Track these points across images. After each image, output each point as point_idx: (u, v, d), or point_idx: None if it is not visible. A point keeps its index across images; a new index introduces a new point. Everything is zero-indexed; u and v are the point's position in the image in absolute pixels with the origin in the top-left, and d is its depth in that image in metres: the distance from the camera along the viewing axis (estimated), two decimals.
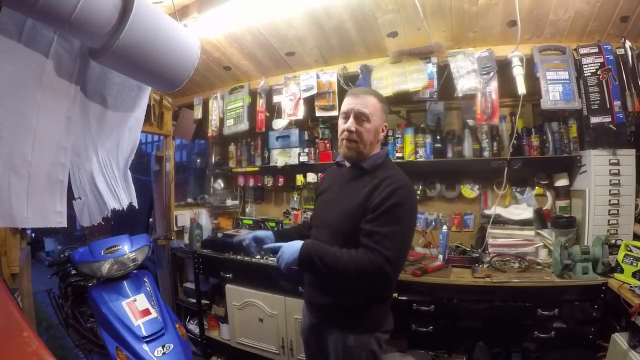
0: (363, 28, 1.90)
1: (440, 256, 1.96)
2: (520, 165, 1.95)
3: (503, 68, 1.90)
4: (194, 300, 2.60)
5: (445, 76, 1.96)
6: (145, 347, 1.53)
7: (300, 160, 2.45)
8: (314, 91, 2.23)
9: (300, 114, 2.33)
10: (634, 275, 1.49)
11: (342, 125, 1.21)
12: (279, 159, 2.56)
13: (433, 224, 2.28)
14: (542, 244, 1.90)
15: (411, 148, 2.15)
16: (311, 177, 2.45)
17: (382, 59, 2.11)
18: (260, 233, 1.33)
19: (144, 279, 1.87)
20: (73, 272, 2.29)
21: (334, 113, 2.23)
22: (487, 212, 2.08)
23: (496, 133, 2.05)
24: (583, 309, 1.60)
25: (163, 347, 1.56)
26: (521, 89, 1.82)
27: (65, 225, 1.17)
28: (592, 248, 1.63)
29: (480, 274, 1.75)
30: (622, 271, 1.55)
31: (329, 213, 1.23)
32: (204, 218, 2.82)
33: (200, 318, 2.57)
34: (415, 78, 1.96)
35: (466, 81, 1.90)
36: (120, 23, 1.03)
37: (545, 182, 2.10)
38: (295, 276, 1.20)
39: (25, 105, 1.05)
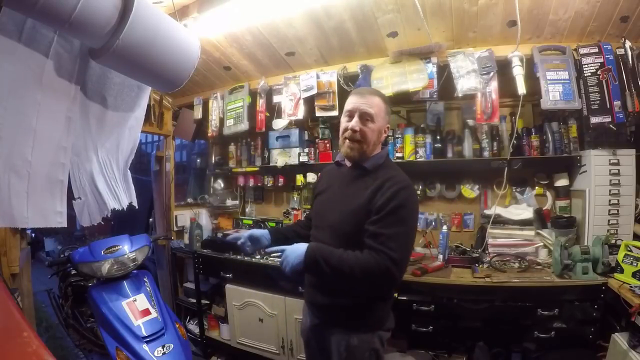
0: (363, 28, 1.90)
1: (440, 256, 1.96)
2: (520, 165, 1.95)
3: (503, 68, 1.90)
4: (194, 300, 2.60)
5: (445, 76, 1.96)
6: (145, 347, 1.52)
7: (300, 160, 2.45)
8: (314, 91, 2.23)
9: (300, 114, 2.33)
10: (634, 275, 1.50)
11: (345, 123, 1.21)
12: (279, 159, 2.56)
13: (433, 224, 2.28)
14: (542, 244, 1.90)
15: (411, 148, 2.15)
16: (311, 177, 2.45)
17: (382, 59, 2.11)
18: (256, 232, 1.34)
19: (144, 279, 1.87)
20: (73, 272, 2.29)
21: (334, 113, 2.23)
22: (487, 212, 2.08)
23: (496, 133, 2.05)
24: (583, 309, 1.60)
25: (163, 347, 1.56)
26: (521, 89, 1.82)
27: (65, 225, 1.17)
28: (592, 248, 1.63)
29: (480, 274, 1.75)
30: (622, 271, 1.55)
31: (330, 213, 1.23)
32: (204, 218, 2.82)
33: (200, 318, 2.57)
34: (415, 78, 1.96)
35: (466, 81, 1.90)
36: (120, 23, 1.03)
37: (545, 182, 2.10)
38: (297, 277, 1.18)
39: (25, 105, 1.05)
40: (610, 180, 1.74)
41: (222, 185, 3.01)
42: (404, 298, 1.74)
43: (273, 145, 2.59)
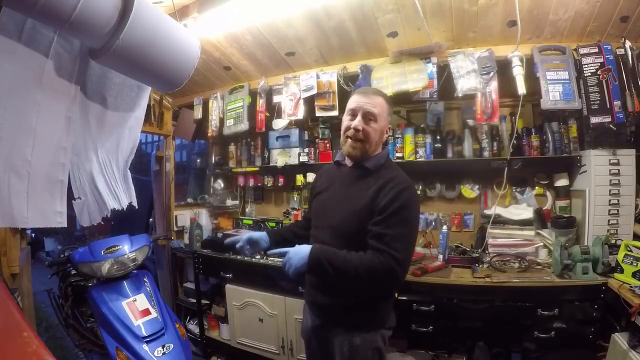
0: (363, 28, 1.90)
1: (440, 256, 1.96)
2: (520, 165, 1.95)
3: (503, 68, 1.90)
4: (194, 300, 2.60)
5: (445, 76, 1.96)
6: (145, 347, 1.52)
7: (300, 160, 2.45)
8: (314, 91, 2.23)
9: (300, 114, 2.33)
10: (634, 275, 1.50)
11: (347, 122, 1.21)
12: (279, 159, 2.56)
13: (433, 224, 2.28)
14: (542, 244, 1.90)
15: (411, 148, 2.15)
16: (311, 177, 2.45)
17: (382, 59, 2.11)
18: (255, 235, 1.32)
19: (144, 279, 1.87)
20: (73, 272, 2.29)
21: (334, 113, 2.23)
22: (487, 212, 2.08)
23: (496, 133, 2.05)
24: (583, 309, 1.60)
25: (163, 347, 1.56)
26: (521, 89, 1.82)
27: (65, 225, 1.17)
28: (592, 248, 1.63)
29: (480, 274, 1.75)
30: (622, 271, 1.55)
31: (330, 213, 1.22)
32: (204, 218, 2.82)
33: (200, 318, 2.57)
34: (415, 78, 1.96)
35: (466, 81, 1.90)
36: (120, 23, 1.03)
37: (545, 182, 2.10)
38: (298, 278, 1.17)
39: (25, 105, 1.05)
40: (610, 180, 1.74)
41: (222, 185, 3.01)
42: (404, 298, 1.74)
43: (273, 145, 2.59)
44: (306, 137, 2.56)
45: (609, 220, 1.74)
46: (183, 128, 2.90)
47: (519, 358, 1.77)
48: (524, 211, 1.99)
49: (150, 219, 3.33)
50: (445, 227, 2.11)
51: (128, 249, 1.84)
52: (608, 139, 1.77)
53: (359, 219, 1.12)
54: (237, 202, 2.97)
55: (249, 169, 2.74)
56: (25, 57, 1.03)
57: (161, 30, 1.15)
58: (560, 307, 1.61)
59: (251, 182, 2.84)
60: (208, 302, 2.60)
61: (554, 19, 1.72)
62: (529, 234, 1.91)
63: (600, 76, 1.72)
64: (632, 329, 1.36)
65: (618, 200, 1.73)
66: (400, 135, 2.19)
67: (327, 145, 2.40)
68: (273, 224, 2.64)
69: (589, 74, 1.74)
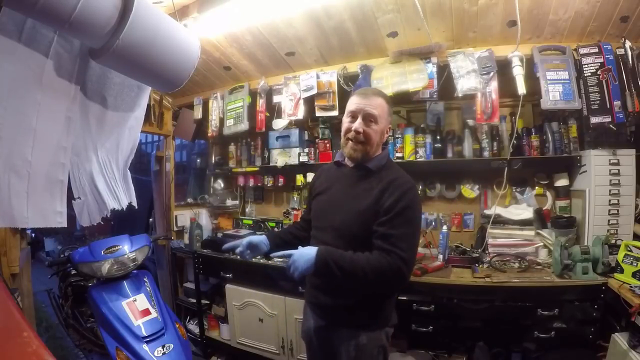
0: (363, 28, 1.90)
1: (440, 256, 1.96)
2: (520, 165, 1.95)
3: (503, 68, 1.90)
4: (194, 300, 2.60)
5: (445, 76, 1.96)
6: (145, 347, 1.52)
7: (300, 160, 2.45)
8: (314, 91, 2.23)
9: (300, 114, 2.33)
10: (634, 275, 1.50)
11: (347, 123, 1.21)
12: (279, 159, 2.56)
13: (433, 224, 2.28)
14: (542, 244, 1.90)
15: (411, 148, 2.15)
16: (311, 177, 2.44)
17: (382, 59, 2.11)
18: (254, 239, 1.31)
19: (144, 279, 1.87)
20: (73, 272, 2.29)
21: (334, 113, 2.23)
22: (487, 212, 2.08)
23: (496, 133, 2.05)
24: (583, 309, 1.60)
25: (163, 347, 1.56)
26: (521, 89, 1.82)
27: (65, 225, 1.17)
28: (592, 248, 1.63)
29: (480, 274, 1.75)
30: (622, 271, 1.55)
31: (333, 214, 1.21)
32: (204, 218, 2.82)
33: (200, 318, 2.57)
34: (415, 78, 1.96)
35: (466, 81, 1.90)
36: (120, 23, 1.03)
37: (545, 182, 2.10)
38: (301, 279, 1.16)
39: (25, 105, 1.05)
40: (610, 180, 1.74)
41: (222, 185, 3.01)
42: (404, 298, 1.74)
43: (273, 145, 2.59)
44: (306, 137, 2.56)
45: (609, 220, 1.74)
46: (183, 128, 2.90)
47: (519, 358, 1.77)
48: (524, 211, 1.99)
49: (150, 219, 3.33)
50: (445, 227, 2.11)
51: (128, 249, 1.84)
52: (608, 139, 1.77)
53: (362, 220, 1.12)
54: (237, 202, 2.97)
55: (249, 169, 2.74)
56: (25, 57, 1.03)
57: (161, 30, 1.15)
58: (560, 307, 1.61)
59: (251, 182, 2.84)
60: (208, 302, 2.60)
61: (554, 19, 1.72)
62: (529, 234, 1.91)
63: (600, 76, 1.72)
64: (632, 329, 1.36)
65: (618, 200, 1.73)
66: (400, 135, 2.19)
67: (327, 145, 2.40)
68: (273, 224, 2.64)
69: (589, 74, 1.74)
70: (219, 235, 2.63)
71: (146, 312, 1.67)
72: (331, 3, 1.71)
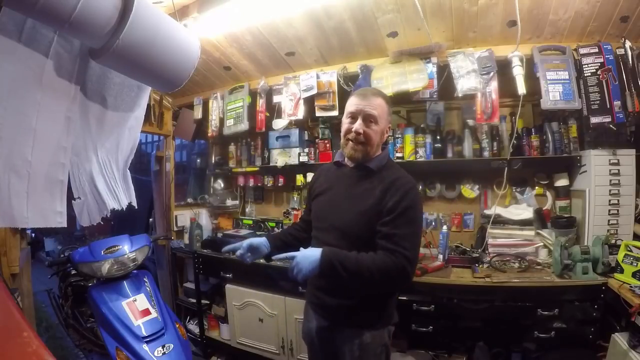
0: (363, 28, 1.90)
1: (440, 256, 1.96)
2: (520, 165, 1.95)
3: (503, 68, 1.90)
4: (194, 300, 2.60)
5: (445, 76, 1.96)
6: (145, 347, 1.52)
7: (300, 160, 2.46)
8: (314, 91, 2.23)
9: (300, 114, 2.33)
10: (634, 275, 1.50)
11: (347, 124, 1.20)
12: (279, 159, 2.56)
13: (433, 224, 2.29)
14: (542, 244, 1.90)
15: (411, 148, 2.15)
16: (311, 177, 2.45)
17: (382, 59, 2.11)
18: (255, 241, 1.30)
19: (144, 279, 1.87)
20: (73, 272, 2.29)
21: (334, 113, 2.23)
22: (487, 212, 2.08)
23: (496, 133, 2.05)
24: (583, 309, 1.61)
25: (163, 347, 1.56)
26: (521, 89, 1.82)
27: (65, 225, 1.17)
28: (592, 248, 1.63)
29: (480, 274, 1.75)
30: (622, 271, 1.55)
31: (335, 214, 1.21)
32: (204, 218, 2.82)
33: (200, 318, 2.57)
34: (415, 78, 1.96)
35: (466, 81, 1.90)
36: (120, 23, 1.03)
37: (545, 182, 2.10)
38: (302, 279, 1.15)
39: (25, 105, 1.05)
40: (610, 180, 1.74)
41: (222, 185, 3.01)
42: (404, 298, 1.74)
43: (273, 145, 2.59)
44: (306, 137, 2.56)
45: (609, 220, 1.74)
46: (183, 128, 2.90)
47: (519, 358, 1.77)
48: (524, 211, 1.99)
49: (150, 219, 3.33)
50: (445, 227, 2.11)
51: (128, 249, 1.84)
52: (608, 139, 1.77)
53: (365, 220, 1.13)
54: (237, 202, 2.97)
55: (249, 169, 2.74)
56: (25, 57, 1.03)
57: (161, 30, 1.15)
58: (560, 307, 1.61)
59: (251, 182, 2.84)
60: (208, 302, 2.60)
61: (554, 19, 1.72)
62: (529, 234, 1.91)
63: (600, 76, 1.72)
64: (632, 329, 1.36)
65: (618, 200, 1.73)
66: (400, 135, 2.19)
67: (327, 145, 2.40)
68: (273, 224, 2.64)
69: (589, 74, 1.74)
70: (219, 235, 2.63)
71: (146, 312, 1.67)
72: (331, 3, 1.71)
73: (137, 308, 1.66)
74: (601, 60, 1.72)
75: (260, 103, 2.49)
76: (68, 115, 1.16)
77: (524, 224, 1.95)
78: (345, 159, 1.28)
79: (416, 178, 1.21)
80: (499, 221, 2.01)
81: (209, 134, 2.70)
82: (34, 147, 1.07)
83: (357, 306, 1.16)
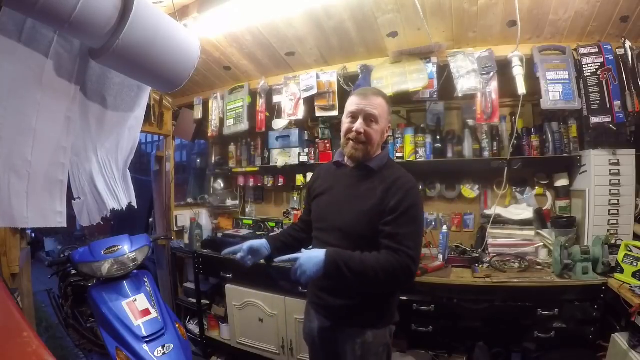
0: (363, 28, 1.90)
1: (440, 256, 1.96)
2: (520, 165, 1.95)
3: (503, 68, 1.90)
4: (194, 300, 2.60)
5: (445, 76, 1.96)
6: (145, 347, 1.52)
7: (300, 160, 2.46)
8: (314, 91, 2.23)
9: (300, 114, 2.33)
10: (634, 275, 1.50)
11: (348, 124, 1.20)
12: (279, 159, 2.56)
13: (433, 224, 2.29)
14: (542, 244, 1.90)
15: (411, 148, 2.15)
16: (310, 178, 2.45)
17: (382, 59, 2.11)
18: (255, 243, 1.29)
19: (144, 279, 1.87)
20: (73, 272, 2.29)
21: (334, 113, 2.23)
22: (487, 212, 2.08)
23: (496, 133, 2.05)
24: (583, 309, 1.60)
25: (163, 347, 1.56)
26: (521, 89, 1.82)
27: (65, 225, 1.17)
28: (592, 248, 1.63)
29: (480, 274, 1.75)
30: (622, 271, 1.55)
31: (336, 214, 1.21)
32: (204, 218, 2.82)
33: (200, 318, 2.57)
34: (415, 78, 1.96)
35: (466, 81, 1.90)
36: (120, 23, 1.03)
37: (545, 182, 2.10)
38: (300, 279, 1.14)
39: (25, 105, 1.05)
40: (610, 180, 1.74)
41: (222, 185, 3.01)
42: (404, 298, 1.73)
43: (273, 145, 2.59)
44: (306, 137, 2.56)
45: (609, 220, 1.74)
46: (183, 128, 2.90)
47: (519, 358, 1.77)
48: (524, 211, 1.99)
49: (150, 219, 3.33)
50: (445, 227, 2.11)
51: (128, 249, 1.84)
52: (608, 139, 1.77)
53: (367, 219, 1.13)
54: (237, 202, 2.97)
55: (249, 169, 2.74)
56: (25, 57, 1.03)
57: (161, 30, 1.15)
58: (560, 307, 1.61)
59: (251, 182, 2.84)
60: (208, 302, 2.60)
61: (554, 19, 1.72)
62: (529, 234, 1.91)
63: (600, 76, 1.72)
64: (632, 329, 1.36)
65: (618, 200, 1.73)
66: (400, 135, 2.19)
67: (327, 145, 2.40)
68: (273, 224, 2.64)
69: (589, 74, 1.74)
70: (219, 235, 2.63)
71: (146, 312, 1.67)
72: (331, 3, 1.71)
73: (137, 308, 1.66)
74: (601, 60, 1.72)
75: (260, 103, 2.49)
76: (68, 115, 1.16)
77: (524, 224, 1.95)
78: (345, 158, 1.28)
79: (416, 178, 1.21)
80: (499, 221, 2.01)
81: (209, 134, 2.70)
82: (34, 147, 1.07)
83: (360, 306, 1.16)
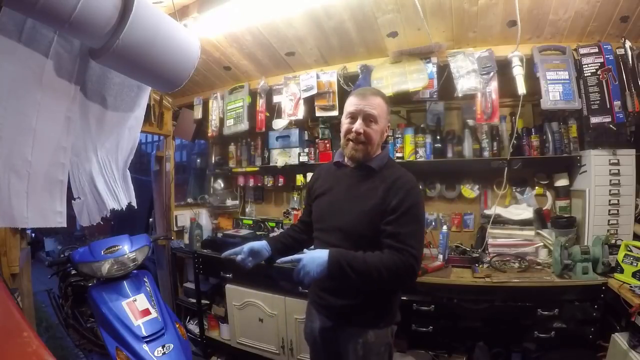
0: (363, 28, 1.90)
1: (440, 256, 1.96)
2: (520, 165, 1.95)
3: (503, 68, 1.90)
4: (194, 300, 2.60)
5: (445, 76, 1.96)
6: (145, 347, 1.52)
7: (300, 160, 2.46)
8: (314, 91, 2.23)
9: (300, 114, 2.33)
10: (634, 275, 1.50)
11: (347, 125, 1.20)
12: (279, 159, 2.56)
13: (433, 224, 2.29)
14: (542, 244, 1.90)
15: (411, 148, 2.15)
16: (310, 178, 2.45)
17: (382, 59, 2.11)
18: (255, 245, 1.28)
19: (144, 279, 1.87)
20: (73, 272, 2.29)
21: (334, 113, 2.23)
22: (487, 212, 2.08)
23: (496, 133, 2.05)
24: (583, 309, 1.60)
25: (163, 347, 1.56)
26: (521, 89, 1.82)
27: (65, 225, 1.17)
28: (592, 248, 1.63)
29: (480, 274, 1.75)
30: (622, 271, 1.55)
31: (337, 215, 1.21)
32: (204, 218, 2.82)
33: (200, 318, 2.57)
34: (415, 78, 1.96)
35: (466, 81, 1.90)
36: (120, 23, 1.03)
37: (545, 182, 2.10)
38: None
39: (25, 105, 1.05)
40: (610, 180, 1.74)
41: (222, 185, 3.01)
42: (404, 298, 1.73)
43: (273, 145, 2.59)
44: (306, 137, 2.56)
45: (609, 220, 1.74)
46: (183, 128, 2.90)
47: (519, 358, 1.77)
48: (524, 211, 1.99)
49: (150, 219, 3.33)
50: (445, 227, 2.11)
51: (128, 249, 1.84)
52: (608, 139, 1.77)
53: (368, 219, 1.13)
54: (237, 202, 2.97)
55: (249, 169, 2.74)
56: (25, 57, 1.03)
57: (161, 30, 1.15)
58: (560, 307, 1.61)
59: (251, 182, 2.84)
60: (208, 302, 2.60)
61: (554, 19, 1.72)
62: (529, 234, 1.91)
63: (600, 76, 1.72)
64: (632, 329, 1.36)
65: (618, 200, 1.73)
66: (400, 135, 2.20)
67: (327, 145, 2.40)
68: (273, 224, 2.64)
69: (589, 74, 1.74)
70: (219, 235, 2.63)
71: (146, 312, 1.67)
72: (331, 3, 1.71)
73: (137, 308, 1.66)
74: (601, 60, 1.72)
75: (260, 103, 2.49)
76: (68, 115, 1.16)
77: (524, 224, 1.95)
78: (346, 159, 1.28)
79: (416, 178, 1.21)
80: (499, 221, 2.01)
81: (209, 134, 2.70)
82: (34, 147, 1.07)
83: (361, 306, 1.16)
